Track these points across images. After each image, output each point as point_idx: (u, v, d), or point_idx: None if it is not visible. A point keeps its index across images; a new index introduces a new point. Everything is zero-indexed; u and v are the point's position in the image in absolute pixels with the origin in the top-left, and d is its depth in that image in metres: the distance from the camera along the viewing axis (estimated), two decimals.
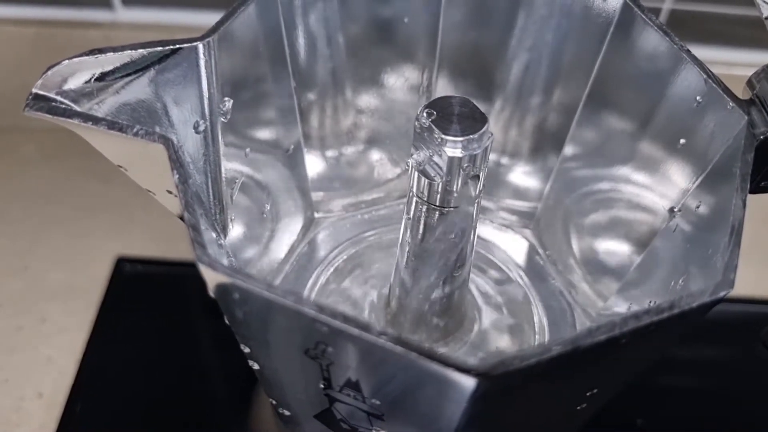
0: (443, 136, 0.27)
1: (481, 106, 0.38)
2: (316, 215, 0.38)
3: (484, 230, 0.39)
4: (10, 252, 0.45)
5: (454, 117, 0.28)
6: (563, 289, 0.37)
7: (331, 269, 0.37)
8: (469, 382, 0.21)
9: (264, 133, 0.34)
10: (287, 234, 0.37)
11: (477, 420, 0.25)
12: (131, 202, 0.46)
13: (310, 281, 0.36)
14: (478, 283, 0.37)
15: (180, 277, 0.43)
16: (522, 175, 0.39)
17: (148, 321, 0.42)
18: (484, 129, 0.28)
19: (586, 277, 0.37)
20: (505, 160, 0.39)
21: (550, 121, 0.37)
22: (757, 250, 0.46)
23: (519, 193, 0.39)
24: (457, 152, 0.28)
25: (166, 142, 0.25)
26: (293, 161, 0.36)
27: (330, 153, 0.38)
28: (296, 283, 0.36)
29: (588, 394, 0.27)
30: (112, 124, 0.25)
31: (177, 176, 0.24)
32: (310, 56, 0.34)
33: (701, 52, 0.30)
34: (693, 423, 0.40)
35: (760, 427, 0.40)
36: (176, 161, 0.24)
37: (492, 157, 0.39)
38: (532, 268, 0.38)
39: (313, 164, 0.37)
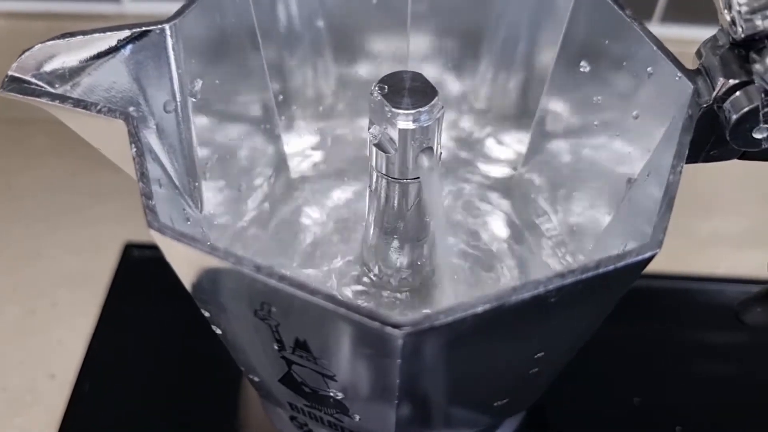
0: (393, 109, 0.29)
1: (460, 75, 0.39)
2: (297, 188, 0.40)
3: (461, 197, 0.40)
4: (24, 239, 0.47)
5: (405, 91, 0.29)
6: (542, 259, 0.38)
7: (310, 239, 0.38)
8: (397, 336, 0.22)
9: (238, 112, 0.36)
10: (266, 206, 0.38)
11: (417, 378, 0.26)
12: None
13: (289, 251, 0.38)
14: (451, 253, 0.38)
15: None
16: (499, 145, 0.40)
17: (154, 304, 0.44)
18: (434, 101, 0.29)
19: (563, 247, 0.37)
20: (480, 131, 0.40)
21: (524, 93, 0.38)
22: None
23: (498, 161, 0.40)
24: (408, 125, 0.29)
25: (126, 118, 0.26)
26: (269, 136, 0.38)
27: (309, 126, 0.39)
28: (277, 253, 0.38)
29: (536, 356, 0.28)
30: (78, 102, 0.27)
31: (134, 149, 0.26)
32: (283, 28, 0.36)
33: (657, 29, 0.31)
34: (690, 404, 0.41)
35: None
36: (134, 135, 0.26)
37: (468, 125, 0.40)
38: (509, 236, 0.39)
39: (292, 139, 0.39)
